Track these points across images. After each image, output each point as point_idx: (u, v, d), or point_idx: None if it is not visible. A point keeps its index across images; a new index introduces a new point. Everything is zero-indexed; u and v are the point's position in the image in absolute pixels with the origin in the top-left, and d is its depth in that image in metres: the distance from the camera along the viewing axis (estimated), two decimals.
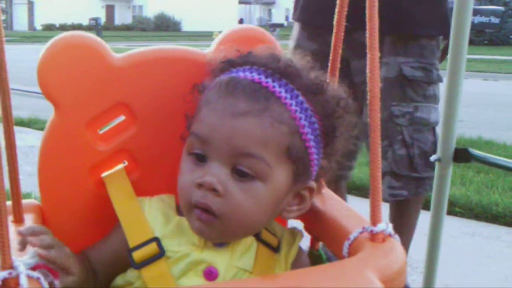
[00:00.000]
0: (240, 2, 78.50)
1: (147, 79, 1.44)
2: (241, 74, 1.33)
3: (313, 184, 1.38)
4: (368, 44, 1.22)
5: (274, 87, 1.29)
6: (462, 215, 5.16)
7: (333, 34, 1.46)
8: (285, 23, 54.78)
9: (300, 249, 1.45)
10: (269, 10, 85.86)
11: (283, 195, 1.33)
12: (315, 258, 1.49)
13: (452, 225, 4.87)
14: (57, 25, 63.91)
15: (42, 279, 1.11)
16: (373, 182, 1.22)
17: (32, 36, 45.79)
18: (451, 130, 2.15)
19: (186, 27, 62.16)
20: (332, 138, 1.37)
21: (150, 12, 65.42)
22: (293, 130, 1.29)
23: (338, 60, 1.48)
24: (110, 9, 71.83)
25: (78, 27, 60.62)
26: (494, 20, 8.45)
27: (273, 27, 42.99)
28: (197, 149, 1.30)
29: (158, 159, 1.48)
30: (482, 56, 25.10)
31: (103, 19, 55.66)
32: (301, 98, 1.31)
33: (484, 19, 8.28)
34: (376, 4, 1.22)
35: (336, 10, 1.44)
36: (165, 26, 61.72)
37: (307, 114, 1.31)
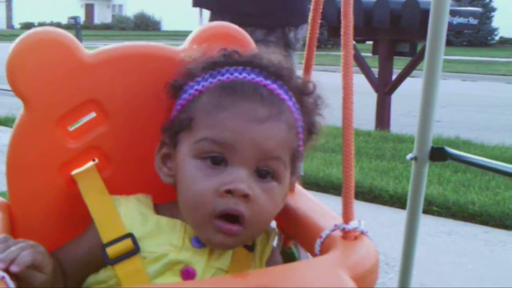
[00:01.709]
0: None
1: (118, 75, 1.42)
2: (244, 75, 1.33)
3: (295, 180, 1.43)
4: (342, 42, 1.22)
5: (276, 89, 1.33)
6: (439, 214, 5.20)
7: (308, 32, 1.45)
8: None
9: (274, 248, 1.45)
10: None
11: (285, 193, 1.37)
12: (287, 257, 1.48)
13: (429, 224, 4.89)
14: (36, 24, 63.41)
15: (7, 278, 1.09)
16: (345, 180, 1.22)
17: (10, 35, 45.39)
18: (427, 129, 2.15)
19: (165, 26, 61.91)
20: (311, 135, 1.41)
21: (130, 11, 65.12)
22: (296, 131, 1.35)
23: (313, 58, 1.47)
24: (89, 8, 71.42)
25: (57, 26, 60.04)
26: (473, 21, 8.48)
27: None
28: (214, 153, 1.28)
29: (130, 156, 1.46)
30: (460, 57, 25.26)
31: (82, 18, 55.36)
32: (293, 99, 1.36)
33: (462, 20, 8.29)
34: (351, 1, 1.22)
35: (311, 7, 1.43)
36: (145, 26, 61.43)
37: (299, 115, 1.36)
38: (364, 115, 9.87)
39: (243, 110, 1.28)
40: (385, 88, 8.84)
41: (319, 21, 1.44)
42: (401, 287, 2.39)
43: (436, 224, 4.96)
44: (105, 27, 63.22)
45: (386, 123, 9.01)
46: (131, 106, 1.43)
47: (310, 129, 1.40)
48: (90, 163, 1.46)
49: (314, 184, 5.76)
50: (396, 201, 5.30)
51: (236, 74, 1.33)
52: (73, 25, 37.51)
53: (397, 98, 9.14)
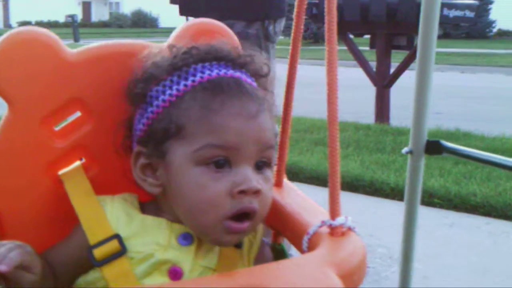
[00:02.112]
0: None
1: (102, 74, 1.41)
2: (217, 71, 1.32)
3: None
4: (326, 37, 1.21)
5: (246, 79, 1.34)
6: (441, 206, 5.19)
7: (293, 27, 1.44)
8: None
9: (263, 243, 1.44)
10: None
11: None
12: (277, 253, 1.47)
13: (431, 217, 4.89)
14: (33, 22, 63.48)
15: None
16: (331, 176, 1.21)
17: None
18: (422, 122, 2.13)
19: (163, 23, 61.97)
20: (274, 113, 1.41)
21: (127, 8, 65.15)
22: (271, 115, 1.35)
23: (298, 53, 1.46)
24: (86, 6, 71.48)
25: (55, 24, 60.43)
26: (469, 14, 8.46)
27: None
28: (218, 157, 1.27)
29: (116, 155, 1.44)
30: (459, 50, 25.26)
31: (79, 16, 55.34)
32: (255, 83, 1.36)
33: (459, 13, 8.28)
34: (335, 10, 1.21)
35: (296, 3, 1.42)
36: (142, 23, 61.47)
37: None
38: (364, 108, 9.88)
39: (237, 110, 1.27)
40: (383, 81, 8.84)
41: (304, 17, 1.43)
42: (402, 281, 2.37)
43: (438, 216, 4.96)
44: (102, 24, 63.29)
45: (385, 116, 9.01)
46: (115, 104, 1.41)
47: (272, 103, 1.40)
48: (77, 163, 1.45)
49: (315, 178, 5.76)
50: (397, 194, 5.29)
51: (207, 72, 1.32)
52: (70, 23, 37.60)
53: (396, 91, 9.13)
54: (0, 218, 1.42)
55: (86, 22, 63.72)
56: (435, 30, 2.09)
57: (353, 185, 5.66)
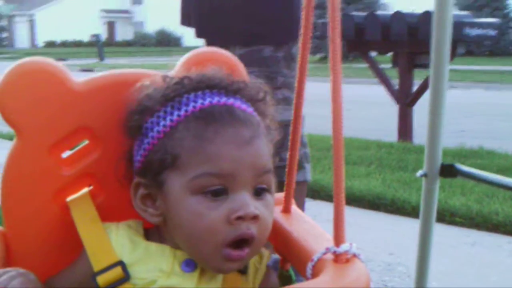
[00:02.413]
0: None
1: (108, 102, 1.42)
2: (210, 100, 1.32)
3: None
4: (331, 66, 1.21)
5: (240, 105, 1.34)
6: (462, 224, 5.14)
7: (300, 44, 1.45)
8: None
9: (268, 269, 1.44)
10: None
11: None
12: (285, 279, 1.47)
13: (453, 235, 4.86)
14: (59, 42, 64.15)
15: None
16: (336, 203, 1.20)
17: (34, 53, 45.77)
18: (437, 145, 2.12)
19: (187, 42, 62.29)
20: (271, 137, 1.41)
21: (151, 28, 65.58)
22: (268, 139, 1.36)
23: (306, 68, 1.46)
24: (111, 26, 72.05)
25: (80, 43, 60.97)
26: (491, 32, 8.42)
27: None
28: (214, 186, 1.28)
29: (123, 182, 1.45)
30: (483, 67, 25.09)
31: (104, 36, 55.80)
32: (251, 108, 1.36)
33: (481, 31, 8.25)
34: (339, 26, 1.22)
35: (303, 18, 1.42)
36: (166, 41, 61.89)
37: (261, 120, 1.37)
38: (386, 126, 9.85)
39: (230, 137, 1.28)
40: (406, 99, 8.81)
41: (311, 33, 1.44)
42: None
43: (460, 235, 4.92)
44: (126, 44, 63.78)
45: (408, 135, 8.97)
46: (122, 132, 1.42)
47: (270, 127, 1.41)
48: (85, 190, 1.46)
49: None
50: (419, 212, 5.24)
51: (200, 101, 1.32)
52: (95, 43, 37.90)
53: (419, 109, 9.10)
54: (9, 244, 1.44)
55: (111, 42, 64.23)
56: (447, 48, 2.08)
57: (374, 204, 5.64)
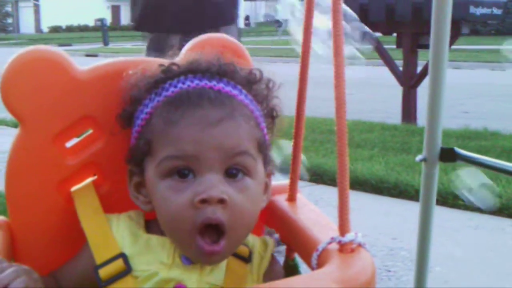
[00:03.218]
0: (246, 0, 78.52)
1: (112, 91, 1.41)
2: (188, 84, 1.32)
3: (271, 169, 1.41)
4: (334, 49, 1.21)
5: (223, 88, 1.32)
6: (465, 208, 5.13)
7: (302, 39, 1.44)
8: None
9: (273, 258, 1.43)
10: (275, 7, 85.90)
11: (263, 187, 1.36)
12: (290, 268, 1.47)
13: (456, 218, 4.85)
14: (64, 27, 64.04)
15: None
16: (340, 192, 1.20)
17: (39, 39, 45.80)
18: (436, 130, 2.11)
19: None
20: (273, 119, 1.41)
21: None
22: (255, 122, 1.33)
23: (307, 65, 1.46)
24: (115, 10, 71.84)
25: (85, 28, 60.90)
26: (497, 11, 8.38)
27: (279, 23, 42.93)
28: (178, 167, 1.27)
29: (126, 172, 1.45)
30: (489, 47, 24.99)
31: (109, 20, 55.67)
32: (244, 91, 1.35)
33: (486, 10, 8.21)
34: (341, 9, 1.21)
35: (304, 14, 1.42)
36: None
37: (254, 105, 1.35)
38: (390, 108, 9.83)
39: (194, 118, 1.27)
40: (410, 81, 8.78)
41: (312, 29, 1.43)
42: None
43: (463, 218, 4.91)
44: (131, 28, 63.59)
45: (412, 117, 8.96)
46: (121, 122, 1.42)
47: (271, 115, 1.40)
48: (89, 179, 1.46)
49: None
50: None
51: (180, 85, 1.32)
52: (99, 27, 37.85)
53: (422, 90, 9.08)
54: (13, 234, 1.44)
55: (115, 26, 64.05)
56: (448, 28, 2.06)
57: (377, 187, 5.63)
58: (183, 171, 1.26)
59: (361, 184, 5.68)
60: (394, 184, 5.61)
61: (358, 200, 5.23)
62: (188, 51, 1.47)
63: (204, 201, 1.22)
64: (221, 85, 1.32)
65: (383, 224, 4.76)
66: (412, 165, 6.19)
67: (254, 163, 1.30)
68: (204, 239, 1.24)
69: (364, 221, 4.68)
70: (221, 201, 1.23)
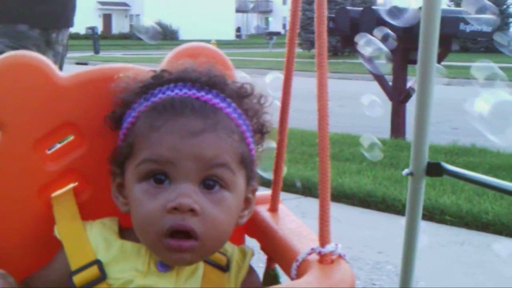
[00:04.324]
0: (237, 11, 78.74)
1: (93, 98, 1.41)
2: (176, 92, 1.32)
3: (256, 185, 1.40)
4: (317, 62, 1.21)
5: (211, 99, 1.32)
6: (452, 223, 5.14)
7: (287, 40, 1.45)
8: (282, 31, 55.08)
9: (251, 268, 1.43)
10: (266, 19, 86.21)
11: (242, 202, 1.36)
12: (271, 279, 1.47)
13: (442, 234, 4.85)
14: None
15: None
16: (321, 203, 1.20)
17: None
18: (423, 144, 2.11)
19: (183, 35, 62.27)
20: (262, 135, 1.41)
21: (147, 21, 65.54)
22: (241, 136, 1.33)
23: (293, 64, 1.46)
24: (107, 18, 71.96)
25: (76, 36, 60.85)
26: (486, 28, 8.43)
27: (270, 35, 43.14)
28: (155, 172, 1.27)
29: (107, 178, 1.44)
30: (479, 64, 25.05)
31: (100, 28, 55.70)
32: (233, 104, 1.35)
33: (476, 27, 8.25)
34: (325, 21, 1.21)
35: (289, 27, 1.42)
36: (163, 35, 61.83)
37: (242, 119, 1.35)
38: (380, 123, 9.84)
39: (176, 126, 1.27)
40: (399, 96, 8.81)
41: (296, 41, 1.43)
42: None
43: (449, 233, 4.92)
44: (123, 36, 63.75)
45: (401, 132, 8.97)
46: (107, 128, 1.41)
47: (261, 130, 1.40)
48: (70, 186, 1.45)
49: None
50: None
51: (168, 92, 1.33)
52: (91, 35, 37.85)
53: (411, 106, 9.10)
54: None
55: (107, 34, 64.13)
56: (435, 44, 2.06)
57: (365, 201, 5.64)
58: (159, 177, 1.27)
59: (348, 198, 5.69)
60: (382, 198, 5.62)
61: (346, 213, 5.24)
62: (173, 59, 1.47)
63: (175, 209, 1.23)
64: (209, 97, 1.32)
65: (370, 237, 4.76)
66: (399, 179, 6.20)
67: (233, 176, 1.30)
68: (171, 239, 1.25)
69: (351, 234, 4.68)
70: (192, 211, 1.24)
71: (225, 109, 1.32)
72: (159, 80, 1.36)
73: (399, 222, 5.08)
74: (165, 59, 1.48)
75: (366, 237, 4.76)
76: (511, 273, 4.09)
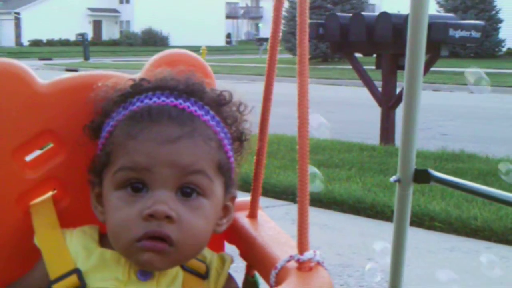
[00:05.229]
0: (227, 17, 78.84)
1: (73, 105, 1.41)
2: (154, 100, 1.32)
3: (235, 193, 1.41)
4: (298, 69, 1.20)
5: (189, 107, 1.32)
6: (441, 229, 5.15)
7: (269, 43, 1.44)
8: None
9: (229, 276, 1.42)
10: (256, 25, 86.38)
11: (220, 209, 1.36)
12: (250, 285, 1.47)
13: (432, 240, 4.85)
14: (44, 41, 63.99)
15: None
16: (300, 210, 1.19)
17: (19, 52, 45.74)
18: (411, 151, 2.10)
19: (173, 41, 62.34)
20: (241, 143, 1.41)
21: (137, 27, 65.64)
22: (218, 144, 1.33)
23: (274, 69, 1.46)
24: (97, 25, 71.97)
25: (66, 42, 60.88)
26: (475, 34, 8.46)
27: (260, 41, 43.18)
28: (132, 180, 1.27)
29: (87, 187, 1.42)
30: (468, 69, 25.11)
31: (90, 35, 55.70)
32: (211, 112, 1.35)
33: (465, 33, 8.29)
34: (307, 28, 1.21)
35: (271, 32, 1.41)
36: (153, 41, 61.89)
37: (221, 127, 1.35)
38: (370, 129, 9.86)
39: (152, 134, 1.27)
40: (389, 102, 8.82)
41: (278, 47, 1.43)
42: None
43: (438, 240, 4.93)
44: (113, 43, 63.80)
45: (390, 138, 8.98)
46: (86, 134, 1.40)
47: (240, 138, 1.41)
48: (49, 194, 1.44)
49: (317, 201, 5.71)
50: None
51: (146, 101, 1.33)
52: (81, 42, 37.83)
53: (401, 112, 9.11)
54: None
55: (97, 41, 64.13)
56: (423, 50, 2.06)
57: (354, 208, 5.64)
58: (136, 185, 1.27)
59: (338, 204, 5.69)
60: (371, 205, 5.63)
61: (335, 220, 5.24)
62: (152, 66, 1.46)
63: (151, 216, 1.23)
64: (186, 104, 1.32)
65: (359, 244, 4.75)
66: (389, 186, 6.21)
67: (210, 183, 1.31)
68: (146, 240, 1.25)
69: (340, 241, 4.68)
70: (168, 218, 1.23)
71: (203, 117, 1.32)
72: (138, 89, 1.35)
73: (389, 229, 5.09)
74: (144, 67, 1.48)
75: (356, 243, 4.76)
76: (500, 279, 4.10)
